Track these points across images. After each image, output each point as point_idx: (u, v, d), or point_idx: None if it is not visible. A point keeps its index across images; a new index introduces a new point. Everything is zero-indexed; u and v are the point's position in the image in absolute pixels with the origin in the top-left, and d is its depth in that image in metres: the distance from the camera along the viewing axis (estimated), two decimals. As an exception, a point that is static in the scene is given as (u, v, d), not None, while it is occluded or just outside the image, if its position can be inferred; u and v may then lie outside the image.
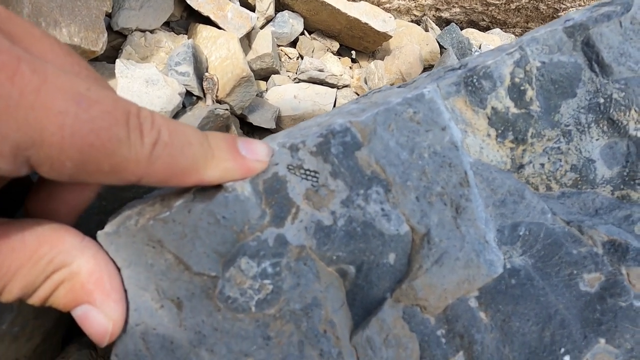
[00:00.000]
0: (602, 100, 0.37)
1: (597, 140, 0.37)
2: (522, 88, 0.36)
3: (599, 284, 0.34)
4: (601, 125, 0.37)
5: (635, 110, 0.37)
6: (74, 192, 0.29)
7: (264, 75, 1.45)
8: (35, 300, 0.26)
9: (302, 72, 1.47)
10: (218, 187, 0.28)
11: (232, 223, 0.28)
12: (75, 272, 0.26)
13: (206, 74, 1.15)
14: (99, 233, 0.28)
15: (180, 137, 0.25)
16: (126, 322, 0.28)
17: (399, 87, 0.41)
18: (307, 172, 0.29)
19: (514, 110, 0.36)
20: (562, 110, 0.37)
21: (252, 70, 1.35)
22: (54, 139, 0.21)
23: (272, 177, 0.29)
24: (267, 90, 1.42)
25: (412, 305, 0.31)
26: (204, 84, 1.12)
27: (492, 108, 0.35)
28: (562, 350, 0.33)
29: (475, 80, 0.35)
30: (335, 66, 1.58)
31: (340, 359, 0.30)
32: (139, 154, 0.23)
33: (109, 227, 0.29)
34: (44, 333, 0.44)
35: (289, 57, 1.56)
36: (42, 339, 0.43)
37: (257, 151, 0.28)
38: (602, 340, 0.33)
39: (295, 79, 1.50)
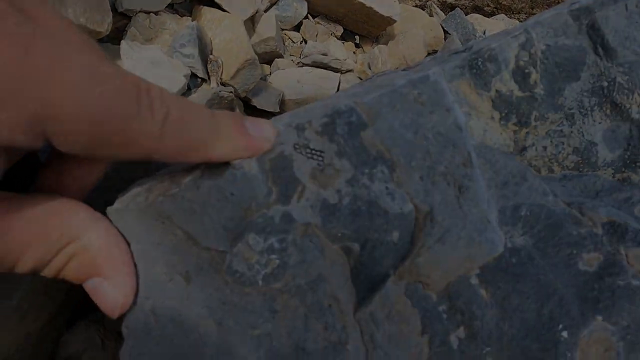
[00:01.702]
0: (605, 84, 0.37)
1: (599, 123, 0.38)
2: (526, 71, 0.36)
3: (597, 264, 0.34)
4: (604, 109, 0.38)
5: (639, 94, 0.37)
6: (84, 169, 0.29)
7: (267, 59, 1.45)
8: (48, 272, 0.27)
9: (306, 56, 1.46)
10: (226, 165, 0.28)
11: (240, 200, 0.28)
12: (86, 245, 0.27)
13: (211, 56, 1.14)
14: (109, 209, 0.29)
15: (188, 114, 0.26)
16: (136, 295, 0.29)
17: (404, 70, 0.41)
18: (313, 152, 0.30)
19: (518, 93, 0.36)
20: (566, 94, 0.37)
21: (256, 54, 1.35)
22: (69, 111, 0.21)
23: (279, 156, 0.29)
24: (270, 74, 1.42)
25: (414, 282, 0.32)
26: (209, 66, 1.12)
27: (496, 91, 0.35)
28: (560, 326, 0.33)
29: (480, 63, 0.35)
30: (339, 51, 1.57)
31: (344, 332, 0.31)
32: (150, 129, 0.24)
33: (118, 204, 0.29)
34: (50, 314, 0.44)
35: (293, 41, 1.55)
36: (48, 320, 0.44)
37: (264, 130, 0.29)
38: (600, 318, 0.34)
39: (298, 63, 1.49)
